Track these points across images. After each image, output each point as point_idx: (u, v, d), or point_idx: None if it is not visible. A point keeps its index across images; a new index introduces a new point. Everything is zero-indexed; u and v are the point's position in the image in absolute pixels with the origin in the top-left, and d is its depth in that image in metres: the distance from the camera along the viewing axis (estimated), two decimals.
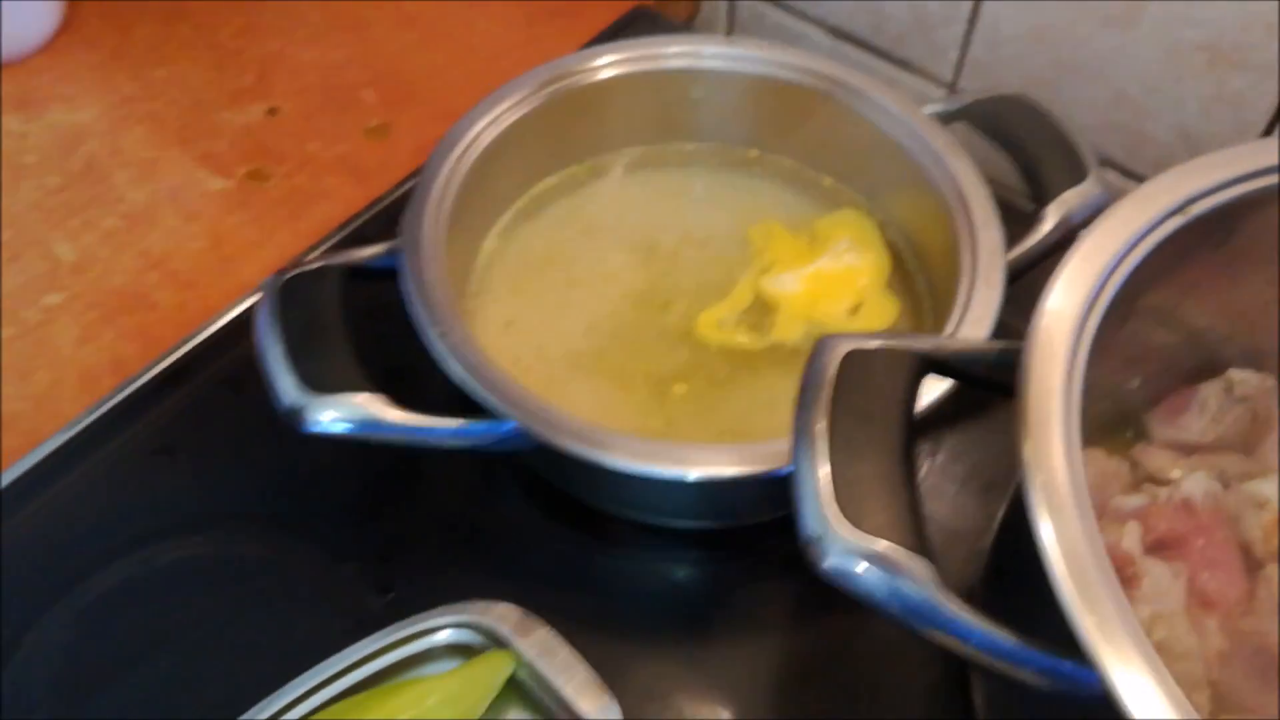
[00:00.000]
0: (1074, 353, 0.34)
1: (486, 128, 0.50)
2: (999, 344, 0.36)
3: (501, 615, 0.43)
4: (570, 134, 0.54)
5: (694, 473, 0.40)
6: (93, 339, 0.55)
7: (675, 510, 0.48)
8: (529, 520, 0.49)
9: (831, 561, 0.30)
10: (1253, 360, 0.46)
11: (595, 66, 0.53)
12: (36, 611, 0.46)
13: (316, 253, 0.58)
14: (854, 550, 0.30)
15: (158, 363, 0.53)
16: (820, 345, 0.33)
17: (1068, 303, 0.35)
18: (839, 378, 0.32)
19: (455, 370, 0.42)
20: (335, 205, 0.61)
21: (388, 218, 0.60)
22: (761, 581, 0.47)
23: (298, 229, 0.60)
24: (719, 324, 0.51)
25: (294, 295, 0.45)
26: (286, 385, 0.42)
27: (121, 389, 0.52)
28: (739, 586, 0.47)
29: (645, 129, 0.56)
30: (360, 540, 0.48)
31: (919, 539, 0.30)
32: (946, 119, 0.53)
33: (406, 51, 0.69)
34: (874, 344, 0.33)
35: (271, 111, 0.66)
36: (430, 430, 0.42)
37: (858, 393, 0.32)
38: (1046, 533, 0.29)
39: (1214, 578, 0.42)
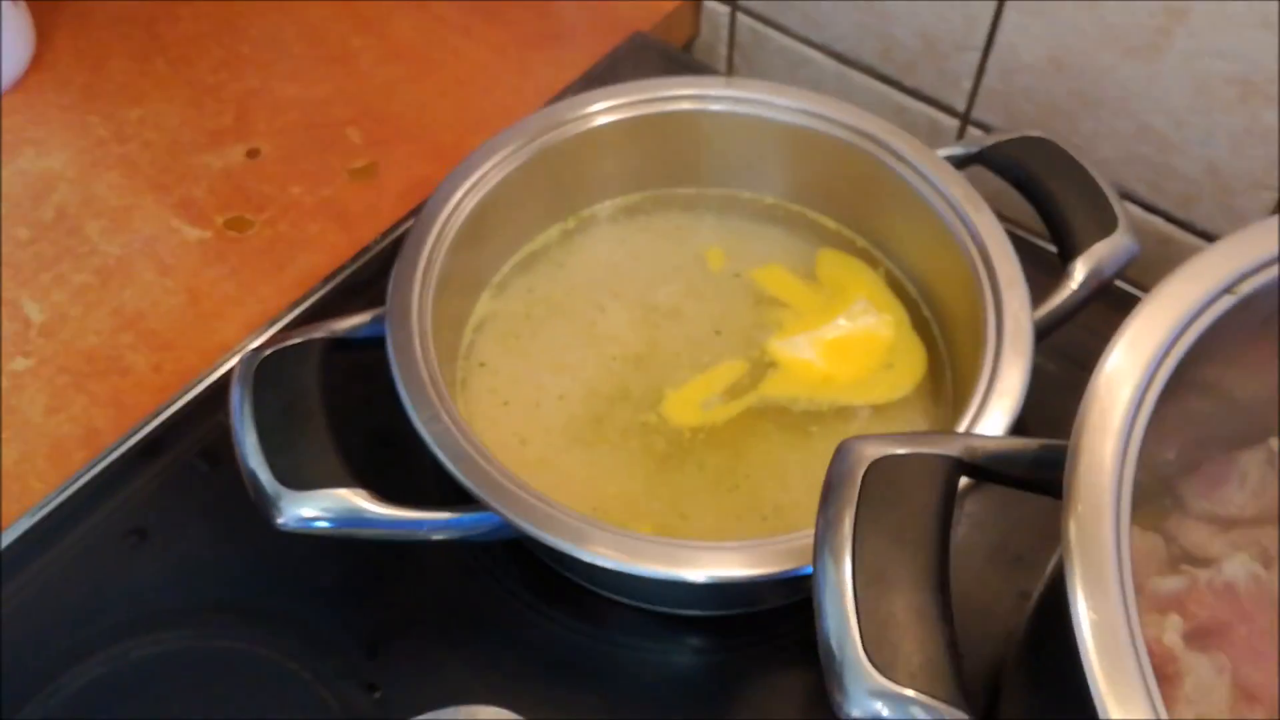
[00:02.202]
0: (1125, 445, 0.32)
1: (476, 184, 0.47)
2: (1038, 441, 0.33)
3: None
4: (564, 183, 0.51)
5: (696, 574, 0.37)
6: (63, 408, 0.52)
7: (679, 601, 0.45)
8: (525, 606, 0.46)
9: (856, 713, 0.27)
10: None
11: (589, 114, 0.49)
12: (7, 714, 0.43)
13: (294, 313, 0.55)
14: (882, 701, 0.27)
15: (131, 435, 0.50)
16: (842, 450, 0.30)
17: (1116, 390, 0.32)
18: (864, 489, 0.29)
19: (443, 459, 0.39)
20: (320, 255, 0.58)
21: (377, 267, 0.57)
22: (774, 672, 0.44)
23: (281, 282, 0.57)
24: (701, 405, 0.48)
25: (271, 375, 0.42)
26: (263, 479, 0.39)
27: (93, 465, 0.49)
28: (750, 677, 0.44)
29: (642, 175, 0.53)
30: (345, 632, 0.45)
31: (955, 688, 0.27)
32: (963, 163, 0.50)
33: (393, 85, 0.66)
34: (903, 450, 0.30)
35: (251, 153, 0.63)
36: (415, 523, 0.39)
37: (886, 507, 0.29)
38: (1084, 628, 0.26)
39: (1258, 669, 0.40)
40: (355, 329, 0.44)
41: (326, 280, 0.56)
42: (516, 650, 0.45)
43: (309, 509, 0.38)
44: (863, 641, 0.27)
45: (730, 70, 0.73)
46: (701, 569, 0.37)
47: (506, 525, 0.38)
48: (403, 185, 0.61)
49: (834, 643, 0.27)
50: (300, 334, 0.43)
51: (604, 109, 0.49)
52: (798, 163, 0.52)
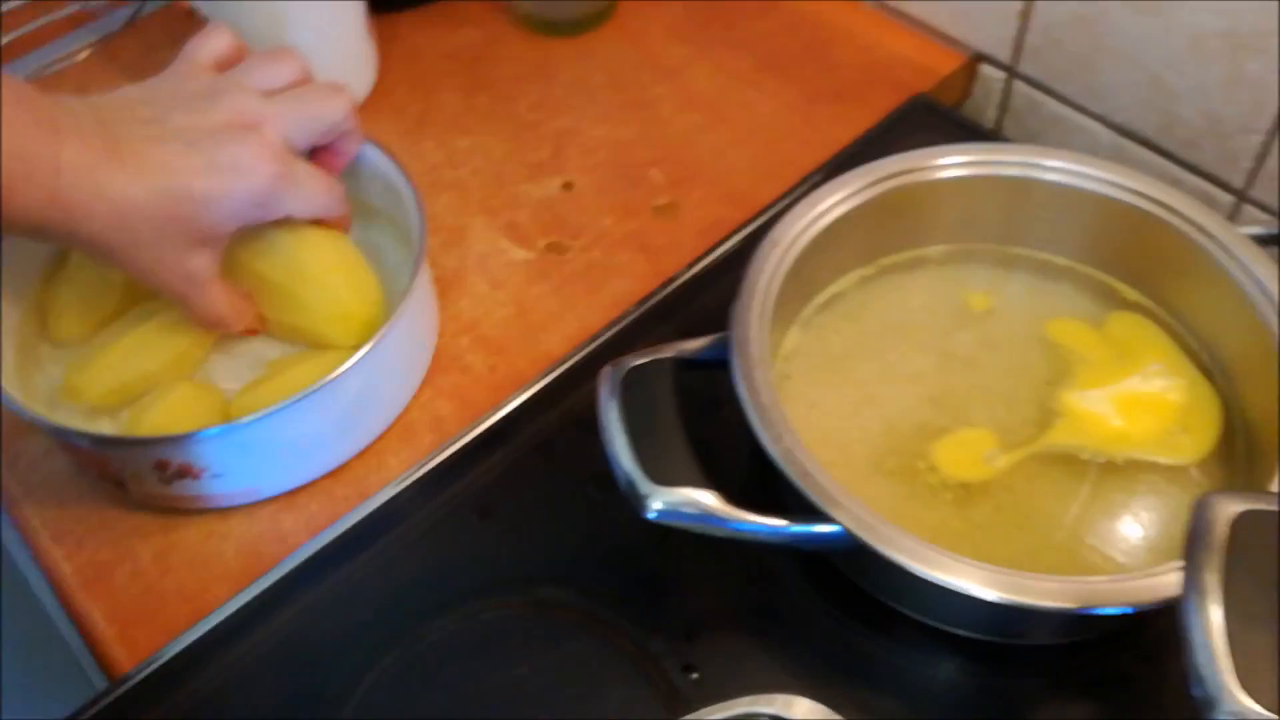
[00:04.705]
0: None
1: (815, 220, 0.53)
2: None
3: (807, 711, 0.45)
4: (881, 230, 0.56)
5: (1047, 604, 0.41)
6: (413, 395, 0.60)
7: (971, 623, 0.49)
8: (822, 611, 0.51)
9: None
10: None
11: (937, 165, 0.55)
12: (370, 660, 0.50)
13: (611, 332, 0.61)
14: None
15: (476, 425, 0.58)
16: (1204, 503, 0.34)
17: None
18: (1230, 540, 0.33)
19: (790, 476, 0.45)
20: (629, 281, 0.65)
21: (680, 296, 0.63)
22: (1052, 705, 0.48)
23: (595, 302, 0.64)
24: (982, 460, 0.51)
25: (633, 386, 0.48)
26: (635, 476, 0.45)
27: (444, 448, 0.57)
28: (1027, 707, 0.48)
29: (949, 228, 0.58)
30: (664, 616, 0.51)
31: None
32: (1264, 242, 0.53)
33: (690, 132, 0.73)
34: (1271, 506, 0.34)
35: (566, 186, 0.70)
36: (761, 528, 0.45)
37: (1251, 557, 0.33)
38: None
39: None
40: (699, 351, 0.50)
41: (638, 305, 0.63)
42: (814, 650, 0.50)
43: (673, 505, 0.44)
44: (1235, 663, 0.31)
45: (998, 130, 0.77)
46: (1047, 600, 0.41)
47: (845, 539, 0.43)
48: (701, 224, 0.67)
49: (1204, 661, 0.31)
50: (654, 352, 0.50)
51: (954, 163, 0.55)
52: (1099, 229, 0.55)
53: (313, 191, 0.53)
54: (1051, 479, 0.51)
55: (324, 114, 0.54)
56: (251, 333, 0.57)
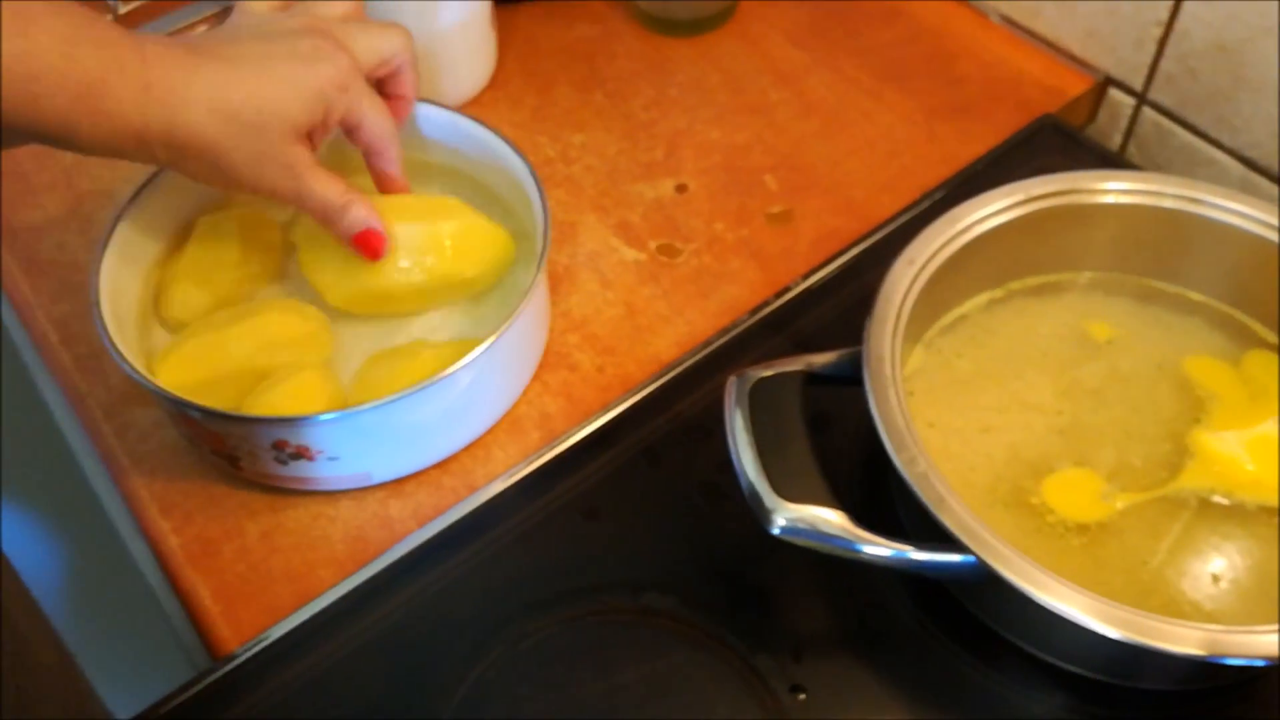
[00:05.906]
0: None
1: (954, 238, 0.51)
2: None
3: None
4: (1025, 252, 0.55)
5: (1180, 649, 0.39)
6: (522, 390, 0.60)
7: (1089, 661, 0.48)
8: (932, 636, 0.50)
9: None
10: None
11: (1098, 189, 0.53)
12: (475, 656, 0.50)
13: (723, 340, 0.60)
14: None
15: (584, 425, 0.57)
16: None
17: None
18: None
19: (925, 502, 0.43)
20: (740, 289, 0.64)
21: (795, 307, 0.62)
22: None
23: (705, 308, 0.63)
24: (1099, 500, 0.50)
25: (760, 399, 0.47)
26: (762, 489, 0.44)
27: (552, 446, 0.56)
28: None
29: (1098, 256, 0.56)
30: (771, 633, 0.50)
31: None
32: None
33: (807, 140, 0.71)
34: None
35: (680, 188, 0.69)
36: (891, 555, 0.44)
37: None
38: None
39: None
40: (827, 365, 0.49)
41: (751, 313, 0.62)
42: (921, 677, 0.49)
43: (799, 522, 0.43)
44: None
45: (1122, 157, 0.75)
46: (1180, 645, 0.39)
47: (977, 569, 0.42)
48: (816, 234, 0.66)
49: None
50: (781, 364, 0.49)
51: (1115, 189, 0.53)
52: (1245, 268, 0.53)
53: (379, 103, 0.54)
54: (1176, 518, 0.49)
55: (383, 37, 0.55)
56: (374, 243, 0.54)
